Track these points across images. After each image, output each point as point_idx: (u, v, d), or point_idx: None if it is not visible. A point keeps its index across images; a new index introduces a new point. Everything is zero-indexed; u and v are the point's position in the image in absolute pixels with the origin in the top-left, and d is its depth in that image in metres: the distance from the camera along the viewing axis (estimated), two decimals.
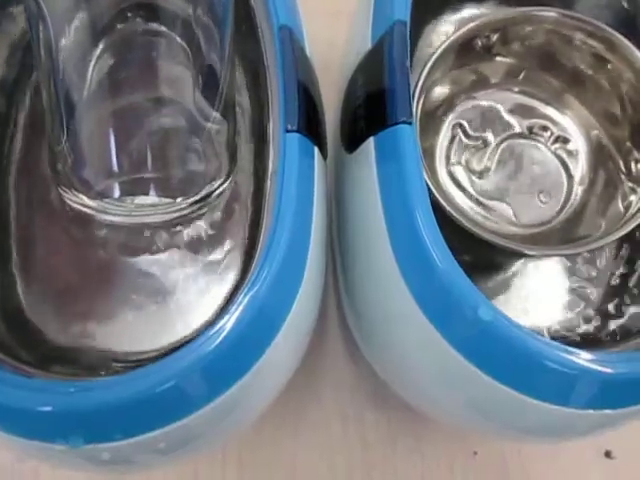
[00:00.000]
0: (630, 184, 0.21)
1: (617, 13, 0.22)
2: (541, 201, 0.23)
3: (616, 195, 0.22)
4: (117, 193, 0.18)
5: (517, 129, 0.23)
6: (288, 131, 0.18)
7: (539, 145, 0.23)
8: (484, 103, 0.23)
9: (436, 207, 0.18)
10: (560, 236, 0.22)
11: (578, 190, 0.23)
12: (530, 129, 0.23)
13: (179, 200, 0.19)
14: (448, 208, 0.19)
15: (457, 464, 0.26)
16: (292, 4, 0.21)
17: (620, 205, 0.21)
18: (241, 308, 0.16)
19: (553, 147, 0.23)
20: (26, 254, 0.19)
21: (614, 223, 0.20)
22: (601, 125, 0.23)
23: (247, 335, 0.16)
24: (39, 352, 0.17)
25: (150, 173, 0.18)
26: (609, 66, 0.22)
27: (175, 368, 0.15)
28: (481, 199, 0.23)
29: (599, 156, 0.23)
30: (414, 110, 0.19)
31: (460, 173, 0.23)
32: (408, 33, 0.19)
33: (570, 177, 0.23)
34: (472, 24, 0.21)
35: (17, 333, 0.18)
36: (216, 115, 0.19)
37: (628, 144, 0.22)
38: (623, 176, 0.22)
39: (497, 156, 0.23)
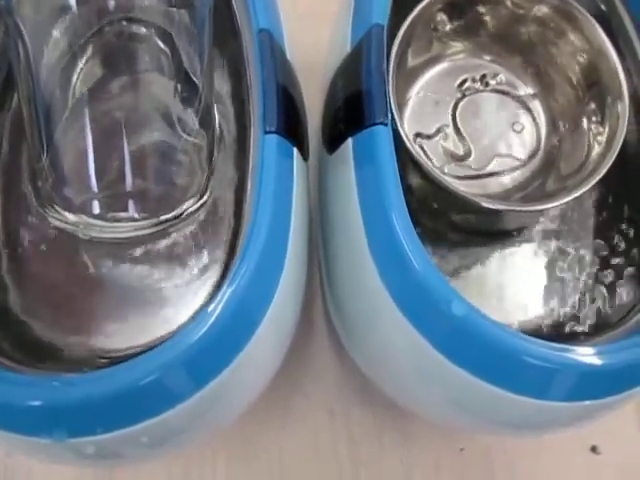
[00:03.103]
0: (595, 129, 0.22)
1: (594, 14, 0.22)
2: (518, 131, 0.24)
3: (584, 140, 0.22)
4: (97, 209, 0.18)
5: (454, 97, 0.24)
6: (267, 132, 0.18)
7: (479, 94, 0.24)
8: (421, 95, 0.24)
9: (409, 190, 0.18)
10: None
11: (537, 105, 0.24)
12: (461, 87, 0.24)
13: (158, 216, 0.19)
14: (416, 156, 0.19)
15: (443, 460, 0.26)
16: (272, 8, 0.21)
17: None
18: (222, 302, 0.16)
19: (489, 86, 0.24)
20: (15, 255, 0.19)
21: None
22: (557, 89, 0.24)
23: (228, 328, 0.16)
24: (25, 348, 0.18)
25: (129, 189, 0.18)
26: (567, 40, 0.23)
27: (157, 362, 0.16)
28: (482, 171, 0.23)
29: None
30: (393, 109, 0.19)
31: (455, 170, 0.23)
32: (386, 36, 0.19)
33: (521, 100, 0.24)
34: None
35: (3, 329, 0.18)
36: (195, 127, 0.19)
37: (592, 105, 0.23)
38: (589, 123, 0.23)
39: (461, 128, 0.24)
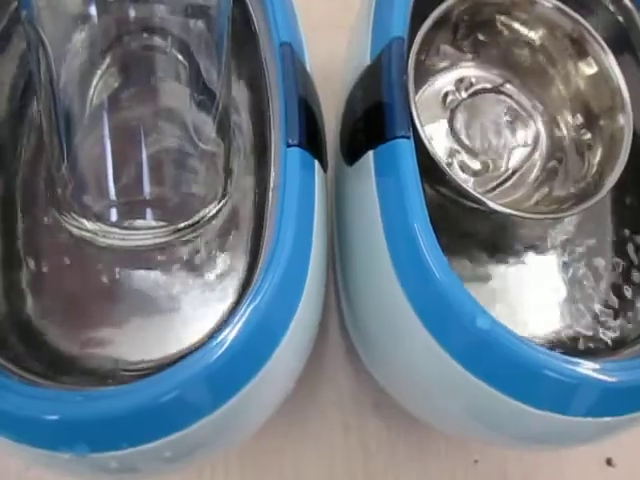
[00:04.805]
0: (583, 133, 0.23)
1: (611, 26, 0.23)
2: (512, 120, 0.24)
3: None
4: (115, 217, 0.18)
5: (445, 117, 0.24)
6: (289, 146, 0.18)
7: (464, 103, 0.24)
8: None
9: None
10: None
11: (512, 88, 0.25)
12: (445, 102, 0.24)
13: (175, 224, 0.19)
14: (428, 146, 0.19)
15: (458, 472, 0.26)
16: (293, 21, 0.21)
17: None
18: (243, 319, 0.16)
19: (468, 91, 0.24)
20: (35, 267, 0.19)
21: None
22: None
23: (249, 346, 0.16)
24: (48, 362, 0.18)
25: (147, 196, 0.18)
26: (570, 61, 0.23)
27: (179, 378, 0.16)
28: (508, 173, 0.23)
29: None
30: (415, 120, 0.19)
31: (484, 183, 0.23)
32: (406, 49, 0.19)
33: (499, 91, 0.25)
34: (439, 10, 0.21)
35: (26, 344, 0.18)
36: (212, 136, 0.19)
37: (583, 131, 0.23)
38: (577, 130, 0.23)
39: (469, 144, 0.24)
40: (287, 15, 0.20)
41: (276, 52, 0.19)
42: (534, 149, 0.24)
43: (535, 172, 0.24)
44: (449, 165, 0.23)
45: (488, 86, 0.24)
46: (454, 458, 0.27)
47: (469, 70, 0.25)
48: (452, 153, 0.23)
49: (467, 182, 0.23)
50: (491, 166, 0.23)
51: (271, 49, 0.20)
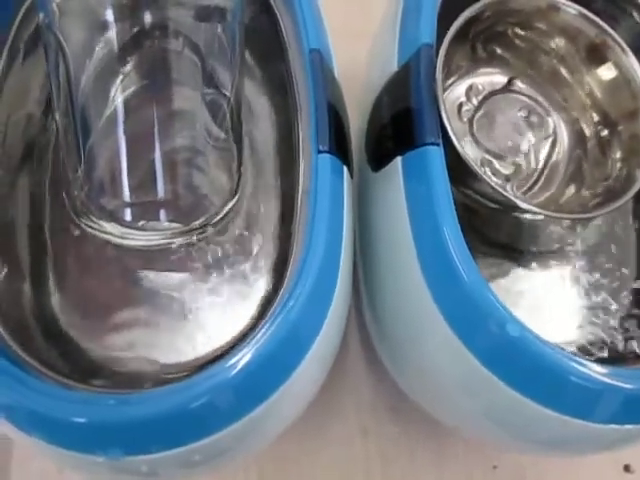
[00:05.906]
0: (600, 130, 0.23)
1: (635, 35, 0.23)
2: (526, 115, 0.24)
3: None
4: (130, 217, 0.19)
5: (465, 130, 0.24)
6: (320, 152, 0.18)
7: (478, 112, 0.24)
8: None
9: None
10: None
11: (519, 83, 0.25)
12: (460, 113, 0.24)
13: (189, 224, 0.19)
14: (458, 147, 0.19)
15: (476, 478, 0.26)
16: (321, 28, 0.21)
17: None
18: (274, 326, 0.16)
19: (478, 98, 0.24)
20: (61, 271, 0.19)
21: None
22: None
23: (279, 354, 0.16)
24: (78, 366, 0.18)
25: (161, 197, 0.19)
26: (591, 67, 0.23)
27: (208, 384, 0.16)
28: (539, 168, 0.23)
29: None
30: (447, 126, 0.19)
31: (521, 185, 0.23)
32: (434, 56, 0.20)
33: (508, 89, 0.25)
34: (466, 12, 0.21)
35: (56, 348, 0.18)
36: (224, 137, 0.20)
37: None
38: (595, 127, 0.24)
39: (496, 151, 0.24)
40: (316, 21, 0.20)
41: (306, 59, 0.19)
42: (556, 139, 0.24)
43: (563, 163, 0.24)
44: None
45: (497, 87, 0.25)
46: (472, 463, 0.27)
47: (476, 77, 0.25)
48: (483, 163, 0.23)
49: (503, 187, 0.23)
50: (523, 165, 0.23)
51: (300, 56, 0.20)
